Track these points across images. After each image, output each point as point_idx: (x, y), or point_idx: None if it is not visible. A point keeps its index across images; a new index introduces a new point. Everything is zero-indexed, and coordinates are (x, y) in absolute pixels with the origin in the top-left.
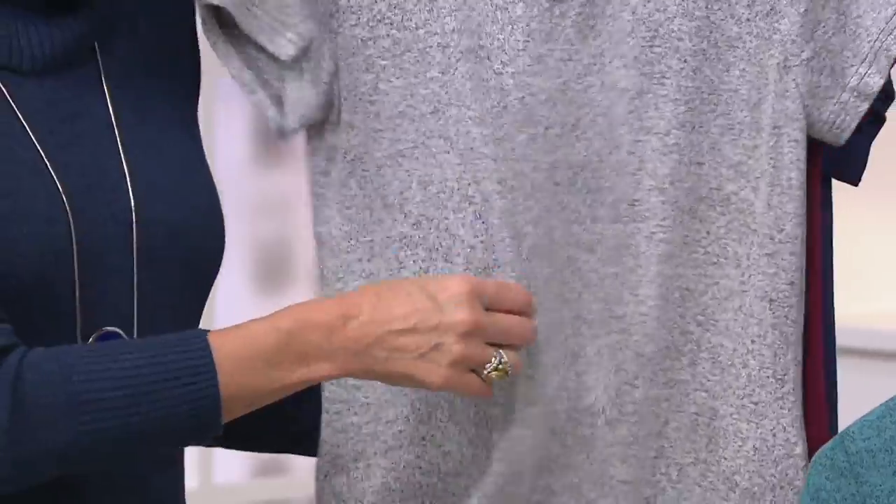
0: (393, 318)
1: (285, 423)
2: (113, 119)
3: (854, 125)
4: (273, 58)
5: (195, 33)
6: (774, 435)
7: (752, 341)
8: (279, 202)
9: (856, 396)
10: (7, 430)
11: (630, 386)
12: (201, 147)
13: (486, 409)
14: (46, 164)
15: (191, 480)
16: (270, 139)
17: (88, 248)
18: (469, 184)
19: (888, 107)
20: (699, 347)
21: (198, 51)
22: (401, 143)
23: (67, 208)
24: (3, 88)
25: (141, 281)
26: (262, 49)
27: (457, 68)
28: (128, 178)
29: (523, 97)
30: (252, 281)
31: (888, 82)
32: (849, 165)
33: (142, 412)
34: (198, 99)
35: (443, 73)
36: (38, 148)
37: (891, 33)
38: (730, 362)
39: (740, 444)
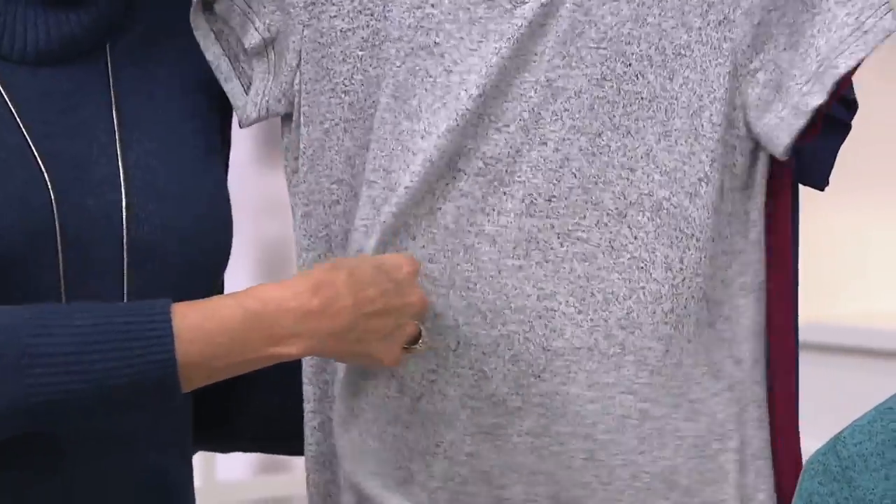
0: (367, 301)
1: (296, 425)
2: (115, 115)
3: (788, 141)
4: (244, 46)
5: None
6: (710, 430)
7: (689, 341)
8: (281, 202)
9: (854, 394)
10: None
11: (535, 378)
12: (216, 150)
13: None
14: (32, 150)
15: (194, 478)
16: (272, 140)
17: (74, 237)
18: (390, 173)
19: (853, 115)
20: (624, 350)
21: None
22: (371, 134)
23: (52, 195)
24: None
25: (131, 277)
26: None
27: (404, 62)
28: (122, 174)
29: (459, 94)
30: (255, 279)
31: (850, 90)
32: (814, 171)
33: (94, 370)
34: (228, 103)
35: (400, 65)
36: (25, 133)
37: (842, 53)
38: (661, 363)
39: (679, 442)
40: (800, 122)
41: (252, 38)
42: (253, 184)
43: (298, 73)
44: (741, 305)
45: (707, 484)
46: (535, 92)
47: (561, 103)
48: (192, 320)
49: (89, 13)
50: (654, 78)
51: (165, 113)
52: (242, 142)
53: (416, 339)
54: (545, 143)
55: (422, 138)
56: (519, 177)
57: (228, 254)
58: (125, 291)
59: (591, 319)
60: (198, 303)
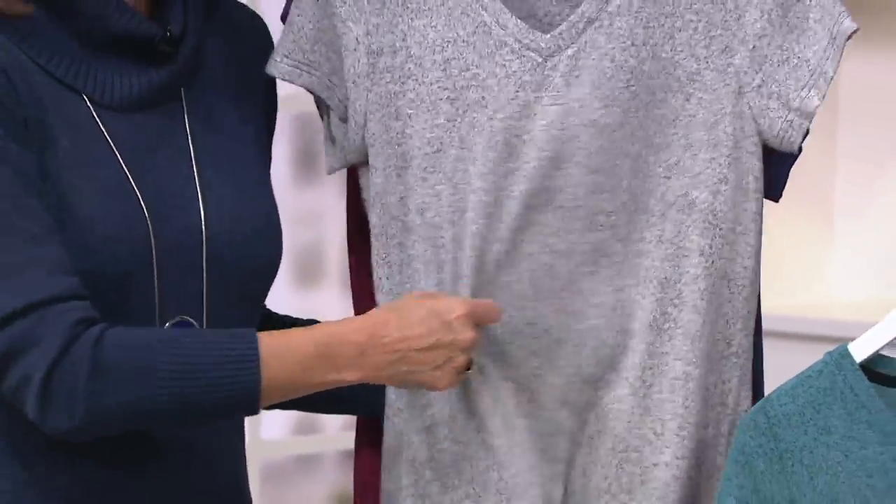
0: (415, 338)
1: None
2: (192, 150)
3: (800, 139)
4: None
5: (272, 79)
6: (716, 387)
7: (717, 313)
8: (315, 214)
9: (785, 370)
10: (86, 385)
11: (622, 355)
12: (268, 173)
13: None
14: (132, 183)
15: None
16: (306, 160)
17: (166, 256)
18: (455, 211)
19: (804, 139)
20: (676, 324)
21: (274, 93)
22: (412, 179)
23: (149, 224)
24: (99, 122)
25: (210, 283)
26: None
27: (464, 118)
28: (200, 200)
29: (507, 138)
30: (291, 280)
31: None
32: (772, 185)
33: (195, 386)
34: (271, 132)
35: (448, 120)
36: (126, 170)
37: (826, 59)
38: (699, 333)
39: (706, 397)
40: (807, 123)
41: (339, 109)
42: (290, 198)
43: (365, 130)
44: (758, 290)
45: (724, 435)
46: (584, 132)
47: (607, 137)
48: (273, 350)
49: (169, 68)
50: (675, 101)
51: (231, 143)
52: (281, 161)
53: (468, 366)
54: (598, 172)
55: (481, 178)
56: (581, 201)
57: (280, 258)
58: (204, 297)
59: (651, 301)
60: (278, 334)
